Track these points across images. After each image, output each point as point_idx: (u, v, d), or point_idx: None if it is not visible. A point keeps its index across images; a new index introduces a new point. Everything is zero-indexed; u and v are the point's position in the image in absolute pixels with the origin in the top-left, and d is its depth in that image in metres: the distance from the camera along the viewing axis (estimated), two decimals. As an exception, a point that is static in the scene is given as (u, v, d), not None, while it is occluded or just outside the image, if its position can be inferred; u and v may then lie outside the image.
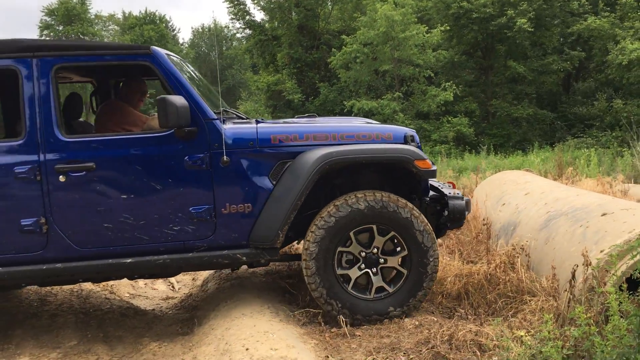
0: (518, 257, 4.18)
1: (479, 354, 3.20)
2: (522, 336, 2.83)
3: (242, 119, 4.47)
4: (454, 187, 4.52)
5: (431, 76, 23.95)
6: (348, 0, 27.48)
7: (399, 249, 3.93)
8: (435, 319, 3.74)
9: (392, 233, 3.87)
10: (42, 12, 39.25)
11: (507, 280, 4.09)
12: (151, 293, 5.47)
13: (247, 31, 30.85)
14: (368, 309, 3.85)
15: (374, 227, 3.87)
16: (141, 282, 5.66)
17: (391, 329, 3.69)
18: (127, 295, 5.29)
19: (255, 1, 28.67)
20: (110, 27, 47.05)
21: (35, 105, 3.69)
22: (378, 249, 3.89)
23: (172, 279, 5.75)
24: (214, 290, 4.84)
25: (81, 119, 4.72)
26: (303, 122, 4.44)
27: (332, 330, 3.73)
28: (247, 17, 29.97)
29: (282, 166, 3.88)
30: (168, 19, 51.17)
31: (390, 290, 3.89)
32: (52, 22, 39.22)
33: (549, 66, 24.51)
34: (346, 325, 3.72)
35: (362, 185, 4.06)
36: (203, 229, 3.82)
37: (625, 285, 2.78)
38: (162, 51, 3.95)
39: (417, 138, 4.16)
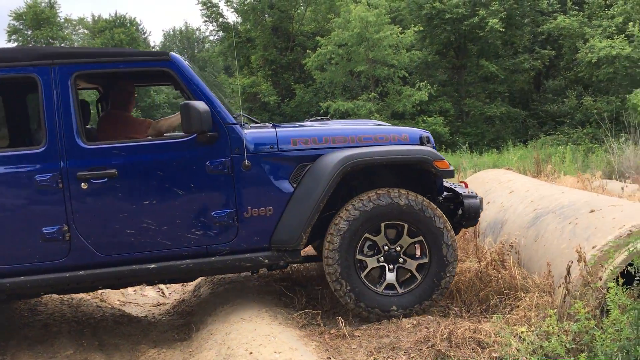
0: (509, 254, 4.27)
1: (479, 350, 3.27)
2: (523, 332, 2.90)
3: (256, 123, 4.51)
4: (466, 186, 4.61)
5: (406, 76, 24.23)
6: (321, 2, 27.61)
7: (419, 254, 4.01)
8: (433, 318, 3.79)
9: (420, 237, 3.95)
10: (10, 16, 38.51)
11: (499, 278, 4.18)
12: (141, 300, 5.44)
13: (221, 33, 30.75)
14: (373, 300, 3.90)
15: (406, 226, 3.93)
16: (130, 289, 5.62)
17: (390, 329, 3.73)
18: (118, 302, 5.25)
19: (229, 3, 28.59)
20: (80, 31, 46.29)
21: (55, 112, 3.69)
22: (402, 247, 3.97)
23: (162, 285, 5.71)
24: (207, 295, 4.83)
25: (89, 126, 4.69)
26: (318, 126, 4.50)
27: (332, 331, 3.77)
28: (221, 20, 29.87)
29: (302, 169, 3.94)
30: (139, 21, 50.61)
31: (400, 291, 3.95)
32: (21, 27, 38.44)
33: (520, 65, 24.98)
34: (345, 326, 3.76)
35: (378, 186, 4.08)
36: (225, 232, 3.86)
37: (621, 280, 2.87)
38: (180, 57, 3.98)
39: (432, 139, 4.27)
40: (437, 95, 24.53)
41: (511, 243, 4.51)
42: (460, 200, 4.26)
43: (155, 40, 72.96)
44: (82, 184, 3.69)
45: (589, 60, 21.61)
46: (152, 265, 3.78)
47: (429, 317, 3.83)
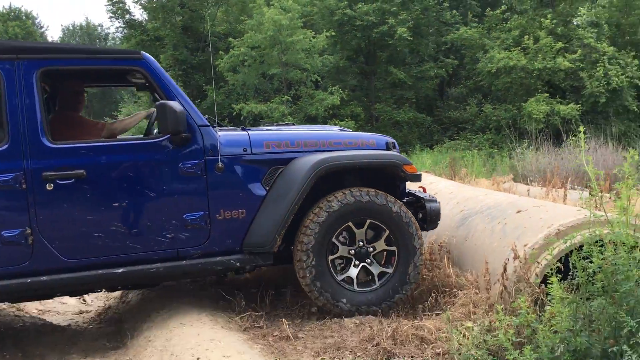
0: (443, 254, 4.44)
1: (423, 346, 3.37)
2: (469, 327, 3.02)
3: (222, 126, 4.47)
4: (424, 191, 4.76)
5: (318, 80, 24.50)
6: (233, 3, 27.30)
7: (385, 262, 4.14)
8: (375, 317, 3.87)
9: (394, 248, 4.07)
10: None
11: (432, 277, 4.34)
12: (61, 308, 5.13)
13: (127, 30, 29.62)
14: (336, 291, 3.96)
15: (387, 232, 4.05)
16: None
17: (333, 329, 3.77)
18: (36, 311, 4.92)
19: (137, 0, 27.61)
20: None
21: (18, 109, 3.48)
22: (374, 250, 4.10)
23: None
24: (138, 301, 4.65)
25: None
26: (286, 130, 4.53)
27: (275, 333, 3.75)
28: (127, 16, 28.77)
29: (275, 172, 3.98)
30: (35, 15, 47.70)
31: (355, 288, 4.03)
32: None
33: (426, 72, 25.99)
34: (289, 328, 3.74)
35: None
36: (197, 235, 3.82)
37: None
38: (151, 56, 3.89)
39: (397, 145, 4.46)
40: (348, 100, 24.98)
41: (441, 243, 4.69)
42: (422, 204, 4.40)
43: (54, 35, 69.20)
44: (48, 184, 3.52)
45: (488, 70, 22.84)
46: (120, 270, 3.66)
47: (371, 316, 3.90)
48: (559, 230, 3.58)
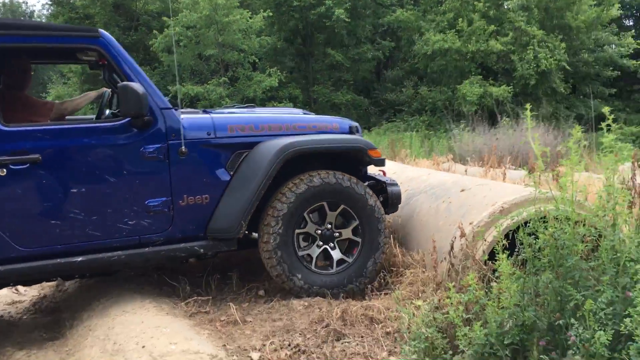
0: (389, 233, 4.45)
1: (373, 326, 3.37)
2: (420, 305, 3.04)
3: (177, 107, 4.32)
4: (384, 174, 4.74)
5: (256, 62, 24.15)
6: (166, -20, 26.43)
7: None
8: (324, 299, 3.84)
9: (343, 206, 4.03)
10: None
11: (379, 256, 4.34)
12: (-10, 300, 4.83)
13: (54, 8, 28.18)
14: (328, 282, 3.96)
15: (325, 204, 4.00)
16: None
17: (282, 312, 3.71)
18: (-37, 304, 4.61)
19: (63, -25, 26.28)
20: None
21: None
22: (332, 224, 4.08)
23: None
24: (75, 290, 4.43)
25: None
26: (248, 112, 4.41)
27: (222, 318, 3.65)
28: (53, -7, 27.36)
29: (239, 156, 3.90)
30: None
31: (350, 260, 4.05)
32: None
33: (363, 55, 26.12)
34: (236, 312, 3.66)
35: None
36: (160, 222, 3.70)
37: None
38: (109, 34, 3.71)
39: (360, 129, 4.44)
40: (286, 82, 24.80)
41: (386, 223, 4.70)
42: (383, 187, 4.39)
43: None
44: (0, 170, 3.29)
45: (424, 53, 23.22)
46: (80, 259, 3.49)
47: (320, 298, 3.87)
48: (502, 207, 3.65)
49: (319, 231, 4.04)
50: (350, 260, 4.07)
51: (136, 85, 3.49)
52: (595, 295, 2.67)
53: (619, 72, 24.12)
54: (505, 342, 2.73)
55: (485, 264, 3.39)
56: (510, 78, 21.96)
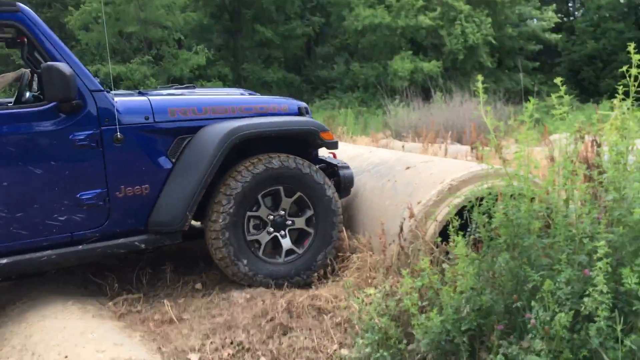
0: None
1: (322, 317, 3.17)
2: (372, 293, 2.84)
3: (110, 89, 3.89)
4: (334, 157, 4.51)
5: (181, 39, 23.31)
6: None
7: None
8: (267, 290, 3.59)
9: (299, 194, 3.82)
10: None
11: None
12: None
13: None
14: (277, 272, 3.73)
15: (281, 188, 3.78)
16: None
17: (222, 307, 3.44)
18: None
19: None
20: None
21: None
22: (285, 211, 3.84)
23: None
24: (-13, 294, 3.98)
25: None
26: (189, 94, 4.05)
27: (156, 317, 3.34)
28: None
29: (181, 142, 3.60)
30: None
31: (300, 252, 3.83)
32: None
33: (293, 31, 25.73)
34: (172, 310, 3.36)
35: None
36: (94, 216, 3.37)
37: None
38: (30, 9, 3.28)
39: (309, 110, 4.18)
40: (214, 60, 24.12)
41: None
42: (335, 170, 4.18)
43: None
44: None
45: (355, 28, 23.10)
46: (4, 261, 3.13)
47: (262, 289, 3.62)
48: (451, 185, 3.50)
49: (271, 217, 3.78)
50: (300, 251, 3.84)
51: (62, 66, 3.11)
52: (552, 274, 2.57)
53: (542, 46, 24.88)
54: (462, 329, 2.58)
55: (437, 245, 3.23)
56: (439, 53, 22.21)
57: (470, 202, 2.82)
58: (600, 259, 2.34)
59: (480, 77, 2.79)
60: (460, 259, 2.61)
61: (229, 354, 2.93)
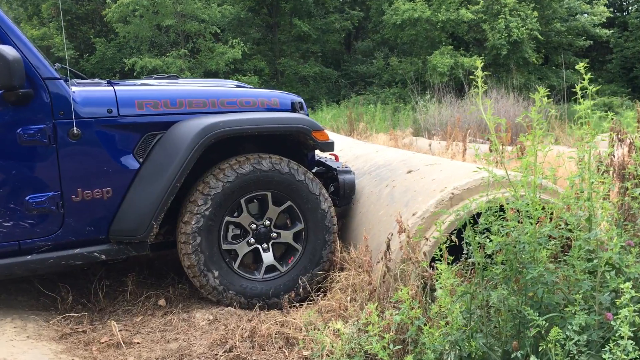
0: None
1: (287, 350, 2.65)
2: (339, 329, 2.32)
3: (83, 79, 3.50)
4: (336, 159, 4.05)
5: (218, 33, 23.06)
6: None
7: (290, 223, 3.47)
8: (234, 310, 3.10)
9: (290, 203, 3.36)
10: None
11: (311, 252, 3.61)
12: None
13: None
14: (254, 290, 3.27)
15: (269, 194, 3.34)
16: None
17: (180, 329, 2.97)
18: None
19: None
20: None
21: None
22: (271, 220, 3.39)
23: None
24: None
25: None
26: (167, 85, 3.58)
27: (103, 340, 2.89)
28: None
29: (151, 140, 3.15)
30: None
31: (283, 270, 3.36)
32: None
33: (331, 25, 25.17)
34: (121, 332, 2.91)
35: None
36: (46, 223, 2.96)
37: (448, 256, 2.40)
38: None
39: (304, 105, 3.69)
40: (251, 54, 23.78)
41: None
42: (334, 175, 3.70)
43: None
44: None
45: (394, 22, 22.33)
46: None
47: (231, 309, 3.13)
48: (452, 194, 2.93)
49: (254, 226, 3.30)
50: (282, 269, 3.35)
51: (5, 49, 2.69)
52: (564, 317, 1.99)
53: (592, 42, 23.59)
54: (447, 380, 2.04)
55: (431, 267, 2.67)
56: (481, 48, 21.27)
57: (466, 219, 2.26)
58: (625, 305, 1.76)
59: (479, 62, 2.23)
60: (443, 291, 2.05)
61: (173, 392, 2.46)
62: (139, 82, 3.80)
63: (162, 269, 3.71)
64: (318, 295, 3.11)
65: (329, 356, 2.33)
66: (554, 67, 23.30)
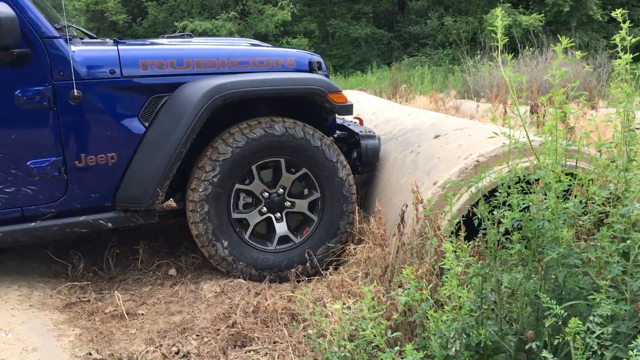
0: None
1: (292, 326, 2.49)
2: (338, 309, 2.12)
3: (92, 38, 3.38)
4: (361, 123, 3.84)
5: (268, -6, 22.76)
6: None
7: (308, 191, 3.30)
8: (243, 283, 2.96)
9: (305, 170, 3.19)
10: None
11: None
12: None
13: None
14: (266, 262, 3.14)
15: (282, 160, 3.16)
16: None
17: (185, 301, 2.86)
18: None
19: None
20: None
21: None
22: (285, 189, 3.22)
23: None
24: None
25: None
26: (177, 44, 3.42)
27: (107, 310, 2.81)
28: None
29: (157, 102, 2.99)
30: None
31: (297, 241, 3.21)
32: None
33: (384, -17, 24.37)
34: (128, 302, 2.83)
35: None
36: (49, 189, 2.86)
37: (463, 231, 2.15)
38: None
39: (324, 65, 3.46)
40: (301, 15, 23.36)
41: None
42: (356, 140, 3.49)
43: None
44: None
45: (449, -20, 21.41)
46: None
47: (240, 281, 2.99)
48: (477, 161, 2.65)
49: (267, 194, 3.14)
50: (296, 240, 3.18)
51: None
52: (589, 305, 1.72)
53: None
54: (452, 372, 1.82)
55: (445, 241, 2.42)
56: (542, 5, 20.11)
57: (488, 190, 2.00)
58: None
59: (499, 10, 1.93)
60: (449, 273, 1.82)
61: (170, 367, 2.35)
62: (148, 41, 3.64)
63: (176, 238, 3.61)
64: (335, 269, 2.92)
65: (326, 337, 2.15)
66: (621, 25, 21.83)
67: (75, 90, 2.79)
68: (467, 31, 20.71)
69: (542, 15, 19.14)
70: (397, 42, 25.23)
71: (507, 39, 1.90)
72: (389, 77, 11.00)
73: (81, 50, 2.90)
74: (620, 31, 1.99)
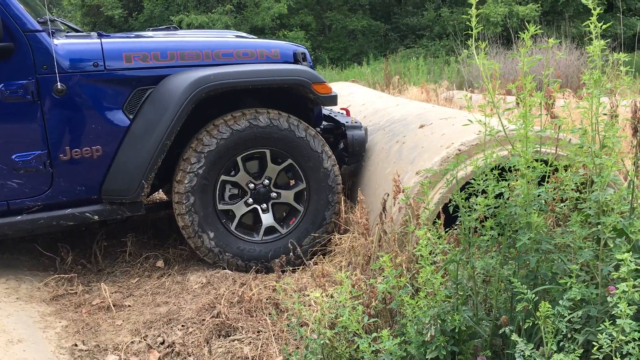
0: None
1: (276, 316, 2.51)
2: (317, 297, 2.15)
3: (78, 31, 3.39)
4: (348, 114, 3.86)
5: (263, -13, 22.66)
6: None
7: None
8: (229, 274, 2.99)
9: (290, 161, 3.21)
10: None
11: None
12: None
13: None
14: (252, 253, 3.16)
15: (267, 152, 3.18)
16: None
17: (171, 293, 2.88)
18: None
19: None
20: None
21: None
22: (270, 180, 3.24)
23: None
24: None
25: None
26: (161, 36, 3.45)
27: (94, 302, 2.84)
28: None
29: (141, 95, 3.01)
30: None
31: (283, 232, 3.23)
32: None
33: (380, -25, 24.29)
34: (114, 294, 2.85)
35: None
36: (34, 182, 2.90)
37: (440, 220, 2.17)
38: None
39: (308, 56, 3.48)
40: (297, 8, 23.33)
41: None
42: (342, 131, 3.51)
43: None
44: None
45: (446, -30, 21.36)
46: None
47: (226, 272, 3.01)
48: (459, 150, 2.67)
49: (252, 185, 3.16)
50: (283, 231, 3.20)
51: None
52: (561, 289, 1.75)
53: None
54: (429, 357, 1.84)
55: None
56: (538, -5, 20.08)
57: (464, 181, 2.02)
58: (623, 279, 1.51)
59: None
60: (423, 260, 1.84)
61: (155, 357, 2.37)
62: (132, 34, 3.65)
63: (165, 230, 3.63)
64: (320, 258, 2.95)
65: (308, 325, 2.18)
66: (618, 15, 21.78)
67: (59, 83, 2.81)
68: (464, 22, 20.72)
69: (539, 5, 19.10)
70: (394, 34, 25.18)
71: (503, 29, 1.91)
72: (383, 68, 10.99)
73: (64, 44, 2.91)
74: (615, 23, 2.00)
